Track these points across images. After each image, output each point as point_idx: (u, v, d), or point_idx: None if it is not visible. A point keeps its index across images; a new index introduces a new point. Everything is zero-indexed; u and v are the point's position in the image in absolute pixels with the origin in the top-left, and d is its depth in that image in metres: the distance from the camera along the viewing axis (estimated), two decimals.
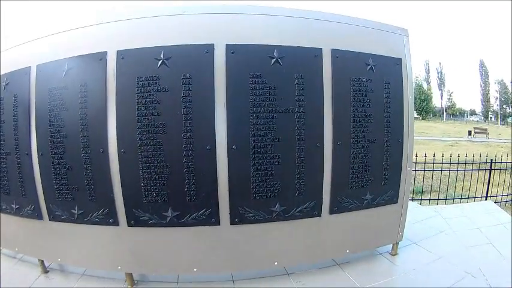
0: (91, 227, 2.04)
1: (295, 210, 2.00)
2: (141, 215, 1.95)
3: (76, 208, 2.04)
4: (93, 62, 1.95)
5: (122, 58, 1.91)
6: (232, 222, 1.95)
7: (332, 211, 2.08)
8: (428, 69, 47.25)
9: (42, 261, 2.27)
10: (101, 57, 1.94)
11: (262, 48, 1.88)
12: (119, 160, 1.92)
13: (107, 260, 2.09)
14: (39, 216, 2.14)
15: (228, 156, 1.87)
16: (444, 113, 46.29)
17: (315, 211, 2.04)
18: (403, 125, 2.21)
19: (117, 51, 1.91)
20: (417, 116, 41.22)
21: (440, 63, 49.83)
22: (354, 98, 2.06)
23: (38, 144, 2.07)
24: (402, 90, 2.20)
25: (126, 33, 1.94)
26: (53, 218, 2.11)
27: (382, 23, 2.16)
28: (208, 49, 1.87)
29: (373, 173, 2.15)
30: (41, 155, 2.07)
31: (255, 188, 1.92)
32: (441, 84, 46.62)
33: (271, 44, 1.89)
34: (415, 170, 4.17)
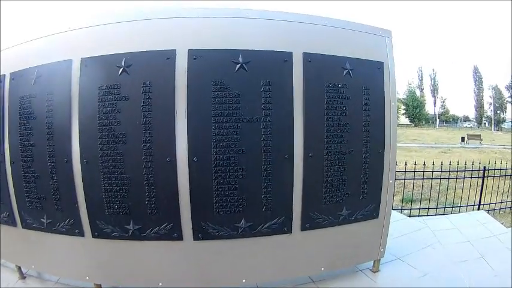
0: (59, 236, 2.03)
1: (263, 227, 1.87)
2: (104, 226, 1.91)
3: (45, 217, 2.03)
4: (59, 70, 1.93)
5: (85, 66, 1.87)
6: (196, 238, 1.86)
7: (304, 227, 1.94)
8: (422, 75, 47.00)
9: (20, 267, 2.30)
10: (67, 65, 1.91)
11: (226, 53, 1.77)
12: (81, 170, 1.88)
13: (76, 270, 2.08)
14: (14, 223, 2.16)
15: (188, 169, 1.78)
16: (437, 120, 46.20)
17: (284, 228, 1.90)
18: (385, 135, 2.02)
19: (81, 59, 1.88)
20: (410, 123, 41.49)
21: (433, 69, 49.24)
22: (328, 106, 1.89)
23: (10, 152, 2.09)
24: (383, 96, 2.01)
25: (90, 41, 1.89)
26: (25, 225, 2.12)
27: (362, 24, 1.98)
28: (170, 55, 1.78)
29: (349, 186, 1.98)
30: (12, 163, 2.08)
31: (218, 202, 1.82)
32: (434, 91, 46.41)
33: (236, 49, 1.77)
34: (404, 179, 3.91)
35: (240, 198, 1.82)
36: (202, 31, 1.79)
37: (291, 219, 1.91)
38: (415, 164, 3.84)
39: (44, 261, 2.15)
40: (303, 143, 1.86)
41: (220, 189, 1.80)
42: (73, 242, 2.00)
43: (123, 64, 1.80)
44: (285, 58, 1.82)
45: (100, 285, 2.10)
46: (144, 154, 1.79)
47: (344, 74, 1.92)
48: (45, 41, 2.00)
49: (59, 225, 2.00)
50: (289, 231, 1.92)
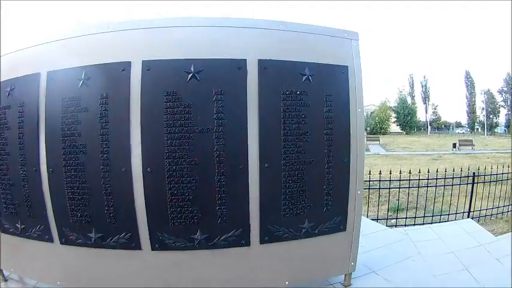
0: (33, 241, 2.12)
1: (219, 239, 1.84)
2: (69, 234, 1.97)
3: (19, 223, 2.13)
4: (29, 83, 2.01)
5: (51, 79, 1.95)
6: (153, 248, 1.86)
7: (263, 240, 1.88)
8: (413, 82, 45.61)
9: (1, 270, 2.44)
10: (35, 78, 1.99)
11: (178, 63, 1.76)
12: (48, 179, 1.96)
13: (49, 275, 2.15)
14: None
15: (143, 179, 1.79)
16: (429, 127, 45.05)
17: (242, 240, 1.86)
18: (350, 143, 1.91)
19: (47, 72, 1.95)
20: (401, 131, 41.06)
21: (424, 76, 47.09)
22: (285, 114, 1.82)
23: None
24: (349, 102, 1.90)
25: (55, 54, 1.96)
26: (3, 230, 2.23)
27: (324, 26, 1.88)
28: (125, 67, 1.80)
29: (311, 198, 1.89)
30: None
31: (173, 213, 1.81)
32: (426, 97, 45.30)
33: (188, 58, 1.76)
34: (389, 188, 3.67)
35: (194, 210, 1.80)
36: (156, 42, 1.80)
37: (249, 231, 1.85)
38: (400, 173, 3.62)
39: (21, 265, 2.25)
40: (258, 153, 1.80)
41: (175, 200, 1.80)
42: (44, 248, 2.09)
43: (83, 77, 1.85)
44: (239, 66, 1.77)
45: None
46: (102, 164, 1.83)
47: (303, 80, 1.83)
48: (17, 55, 2.10)
49: (31, 230, 2.09)
50: (248, 244, 1.87)
